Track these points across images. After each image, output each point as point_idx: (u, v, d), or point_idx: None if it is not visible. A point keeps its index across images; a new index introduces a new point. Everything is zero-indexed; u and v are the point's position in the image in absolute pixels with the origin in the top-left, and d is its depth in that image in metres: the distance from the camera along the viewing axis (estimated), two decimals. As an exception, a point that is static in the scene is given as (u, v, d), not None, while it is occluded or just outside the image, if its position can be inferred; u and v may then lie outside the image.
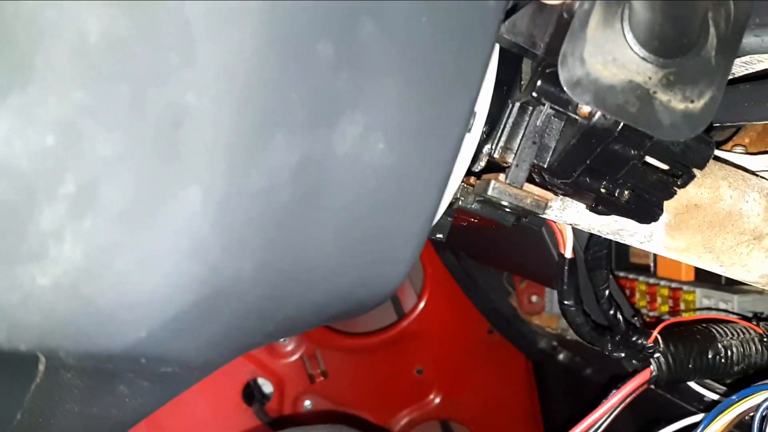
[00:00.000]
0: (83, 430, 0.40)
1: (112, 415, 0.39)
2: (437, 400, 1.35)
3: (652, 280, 0.97)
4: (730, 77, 0.59)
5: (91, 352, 0.29)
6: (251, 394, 1.28)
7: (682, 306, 0.90)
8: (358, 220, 0.35)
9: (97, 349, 0.28)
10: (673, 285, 0.93)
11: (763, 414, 0.54)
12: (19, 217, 0.23)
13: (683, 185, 0.48)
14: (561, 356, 1.15)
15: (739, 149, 0.72)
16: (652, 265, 1.00)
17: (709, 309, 0.87)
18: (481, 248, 1.14)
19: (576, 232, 0.63)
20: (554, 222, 0.59)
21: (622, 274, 1.03)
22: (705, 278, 0.89)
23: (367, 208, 0.35)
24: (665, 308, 0.94)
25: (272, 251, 0.32)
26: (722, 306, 0.86)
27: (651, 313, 0.97)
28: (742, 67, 0.57)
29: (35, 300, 0.25)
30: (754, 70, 0.57)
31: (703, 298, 0.89)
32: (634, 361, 0.69)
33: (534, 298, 1.20)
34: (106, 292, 0.26)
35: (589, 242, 0.75)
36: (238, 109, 0.27)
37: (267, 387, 1.30)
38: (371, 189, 0.35)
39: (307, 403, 1.29)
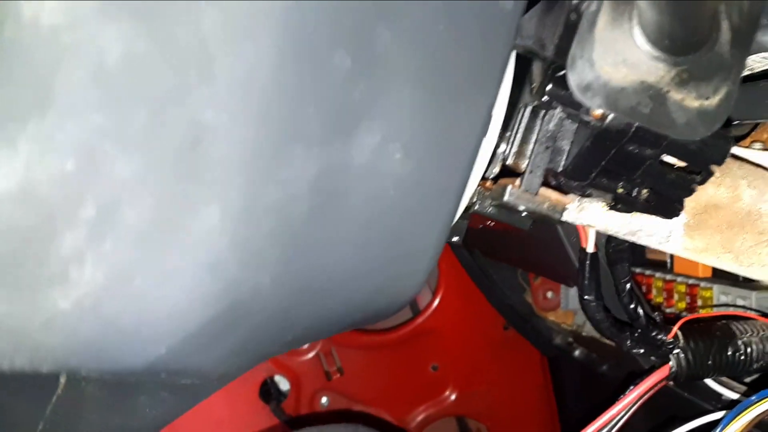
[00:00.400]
0: (105, 440, 0.40)
1: (134, 425, 0.40)
2: (453, 397, 1.35)
3: (668, 277, 0.96)
4: (750, 72, 0.59)
5: (113, 369, 0.29)
6: (268, 391, 1.29)
7: (700, 302, 0.89)
8: (376, 229, 0.35)
9: (119, 366, 0.29)
10: (690, 281, 0.92)
11: (784, 415, 0.53)
12: (40, 242, 0.23)
13: (702, 182, 0.48)
14: (577, 352, 1.15)
15: (757, 145, 0.71)
16: (668, 261, 0.99)
17: (727, 306, 0.86)
18: (495, 246, 1.14)
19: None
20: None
21: (638, 270, 1.02)
22: (722, 274, 0.88)
23: (385, 217, 0.35)
24: (682, 305, 0.93)
25: (291, 263, 0.32)
26: (740, 303, 0.85)
27: (668, 310, 0.96)
28: (761, 62, 0.56)
29: (57, 323, 0.25)
30: (772, 65, 0.56)
31: (720, 295, 0.88)
32: (652, 358, 0.69)
33: (549, 294, 1.20)
34: (128, 312, 0.26)
35: (610, 235, 0.74)
36: (257, 124, 0.27)
37: (284, 384, 1.30)
38: (389, 198, 0.35)
39: (324, 400, 1.29)
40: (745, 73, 0.59)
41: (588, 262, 0.63)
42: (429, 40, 0.33)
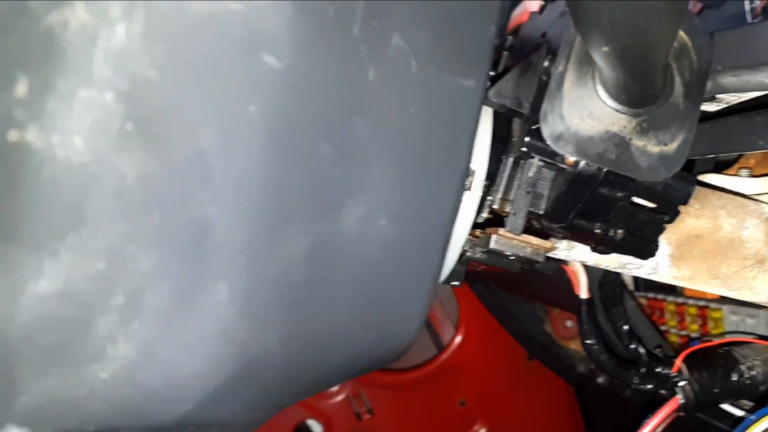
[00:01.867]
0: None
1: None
2: (482, 431, 1.37)
3: (680, 300, 0.99)
4: (726, 106, 0.63)
5: (147, 426, 0.34)
6: (302, 435, 1.33)
7: (711, 324, 0.92)
8: (368, 288, 0.40)
9: (152, 423, 0.34)
10: (701, 303, 0.94)
11: (780, 431, 0.56)
12: (80, 328, 0.29)
13: (670, 221, 0.52)
14: (600, 379, 1.17)
15: (744, 172, 0.75)
16: (678, 284, 1.01)
17: (736, 330, 0.88)
18: (510, 280, 1.17)
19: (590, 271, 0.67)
20: (566, 266, 0.62)
21: (651, 294, 1.05)
22: (730, 295, 0.91)
23: (375, 276, 0.40)
24: (695, 327, 0.95)
25: (293, 325, 0.37)
26: (749, 321, 0.87)
27: (682, 332, 0.98)
28: (734, 96, 0.60)
29: (98, 391, 0.30)
30: (746, 98, 0.60)
31: (730, 315, 0.90)
32: (662, 392, 0.71)
33: (568, 323, 1.22)
34: (156, 378, 0.32)
35: (602, 281, 0.78)
36: (253, 213, 0.33)
37: (316, 428, 1.34)
38: (377, 260, 0.39)
39: (358, 441, 1.33)
40: (722, 107, 0.63)
41: (584, 308, 0.67)
42: (401, 122, 0.38)
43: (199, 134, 0.29)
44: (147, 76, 0.27)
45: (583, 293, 0.67)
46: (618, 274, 0.80)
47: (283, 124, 0.33)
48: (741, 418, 0.70)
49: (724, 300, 0.92)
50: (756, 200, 0.63)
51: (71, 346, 0.28)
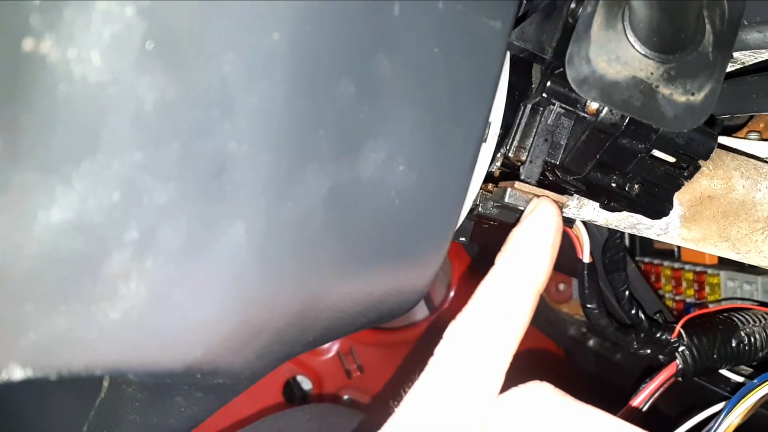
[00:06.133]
0: (144, 439, 0.44)
1: (170, 424, 0.43)
2: (471, 391, 1.37)
3: (676, 265, 0.99)
4: (741, 67, 0.61)
5: (155, 371, 0.32)
6: (291, 391, 1.32)
7: (707, 289, 0.92)
8: (384, 236, 0.38)
9: (160, 368, 0.32)
10: (698, 269, 0.95)
11: (784, 395, 0.56)
12: (92, 263, 0.27)
13: (689, 177, 0.50)
14: (591, 342, 1.17)
15: (753, 135, 0.74)
16: (676, 249, 1.01)
17: (734, 296, 0.88)
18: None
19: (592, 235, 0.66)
20: (570, 228, 0.61)
21: (647, 259, 1.05)
22: (728, 261, 0.90)
23: (393, 225, 0.38)
24: (690, 292, 0.95)
25: (308, 271, 0.35)
26: (747, 288, 0.87)
27: (677, 298, 0.98)
28: (750, 56, 0.59)
29: (109, 333, 0.28)
30: (763, 59, 0.59)
31: (727, 281, 0.90)
32: (660, 357, 0.71)
33: (561, 287, 1.22)
34: (167, 320, 0.30)
35: (605, 246, 0.77)
36: (273, 150, 0.31)
37: (306, 384, 1.34)
38: (396, 208, 0.38)
39: (346, 397, 1.33)
40: (737, 67, 0.61)
41: (585, 272, 0.66)
42: (425, 62, 0.36)
43: (221, 60, 0.27)
44: (168, -8, 0.25)
45: (586, 257, 0.66)
46: (622, 239, 0.79)
47: (306, 55, 0.31)
48: (739, 384, 0.70)
49: (722, 265, 0.92)
50: (769, 163, 0.62)
51: (83, 281, 0.27)
